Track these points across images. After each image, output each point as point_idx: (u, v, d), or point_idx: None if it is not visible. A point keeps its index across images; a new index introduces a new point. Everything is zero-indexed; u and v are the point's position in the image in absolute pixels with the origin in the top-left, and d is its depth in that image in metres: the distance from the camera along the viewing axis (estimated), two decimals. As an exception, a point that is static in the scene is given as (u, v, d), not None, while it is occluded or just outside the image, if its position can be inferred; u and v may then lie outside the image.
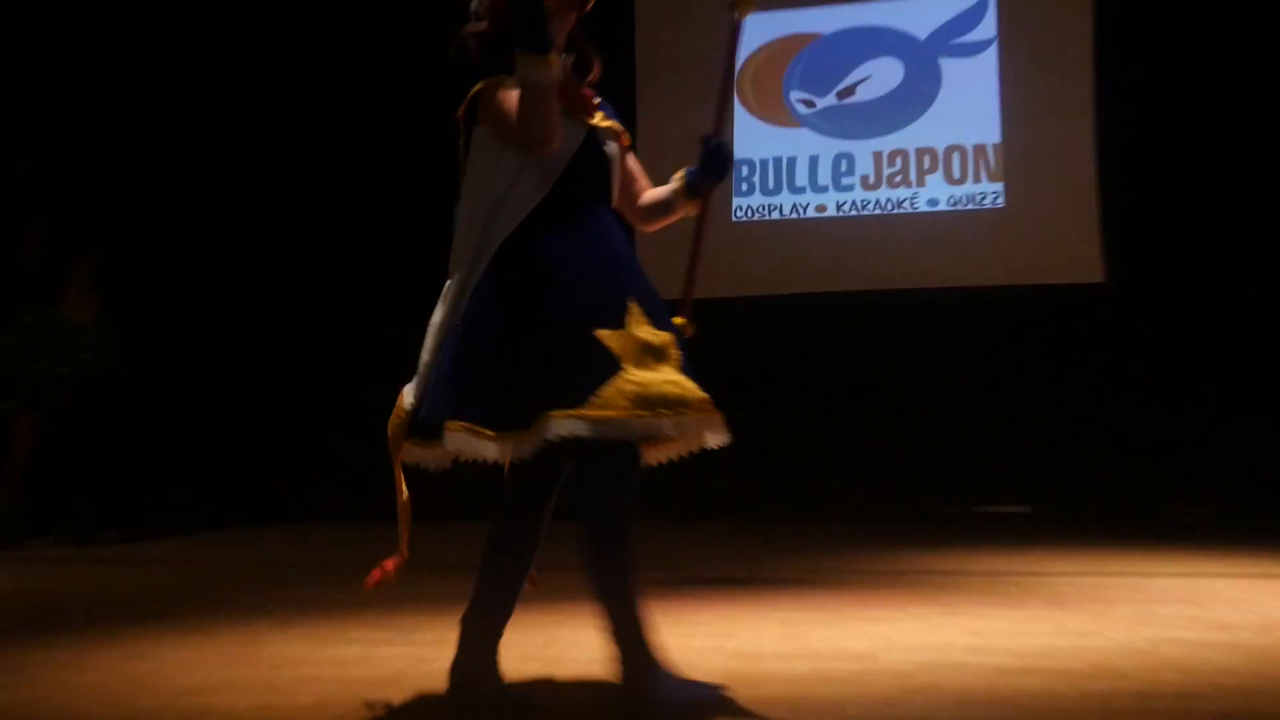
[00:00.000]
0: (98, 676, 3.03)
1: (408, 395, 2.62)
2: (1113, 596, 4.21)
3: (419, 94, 8.57)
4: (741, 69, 8.48)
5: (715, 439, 2.57)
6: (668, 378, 2.41)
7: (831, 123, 8.38)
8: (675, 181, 2.85)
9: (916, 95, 8.28)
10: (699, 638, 3.44)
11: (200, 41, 8.23)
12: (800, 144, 8.38)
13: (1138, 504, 7.34)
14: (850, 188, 8.27)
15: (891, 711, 2.53)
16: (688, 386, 2.43)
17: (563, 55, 2.60)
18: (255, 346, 8.52)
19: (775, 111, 8.45)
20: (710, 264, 8.49)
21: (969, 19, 8.27)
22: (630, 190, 2.86)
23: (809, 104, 8.42)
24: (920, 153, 8.19)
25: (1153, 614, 3.78)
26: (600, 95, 2.79)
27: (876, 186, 8.21)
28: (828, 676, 2.88)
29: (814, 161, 8.34)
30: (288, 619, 3.90)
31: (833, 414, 7.89)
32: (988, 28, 8.23)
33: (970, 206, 8.04)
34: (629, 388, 2.36)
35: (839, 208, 8.25)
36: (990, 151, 8.07)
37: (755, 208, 8.36)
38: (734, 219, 8.36)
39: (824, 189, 8.30)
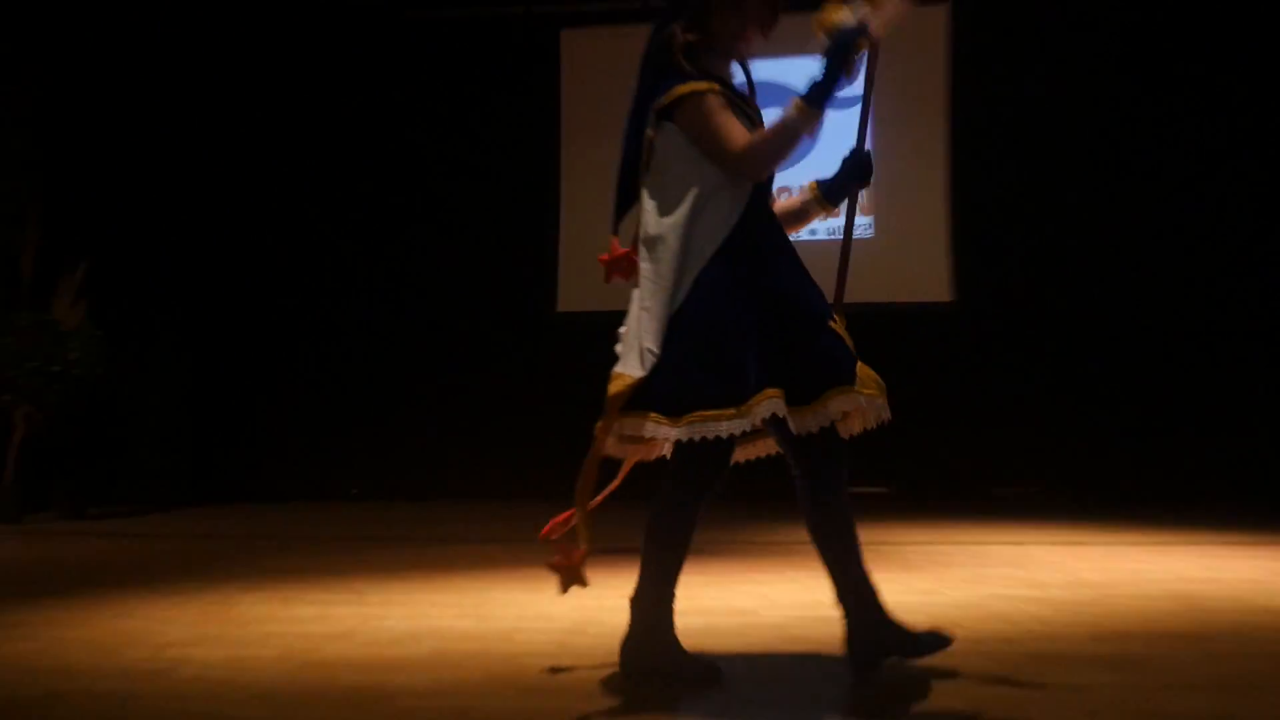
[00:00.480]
0: (89, 632, 3.01)
1: (630, 371, 2.43)
2: (951, 561, 4.35)
3: (369, 93, 8.58)
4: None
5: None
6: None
7: (730, 161, 8.47)
8: (808, 192, 2.71)
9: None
10: (610, 598, 3.48)
11: (157, 53, 8.01)
12: (702, 179, 8.46)
13: (975, 483, 7.53)
14: (744, 217, 8.36)
15: (769, 659, 2.61)
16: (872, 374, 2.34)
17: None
18: (226, 342, 8.39)
19: (680, 151, 8.51)
20: (605, 280, 8.59)
21: (844, 75, 8.41)
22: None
23: (710, 145, 8.50)
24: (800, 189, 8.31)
25: (984, 575, 3.92)
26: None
27: (765, 217, 8.32)
28: (716, 629, 2.96)
29: (712, 194, 8.42)
30: (256, 584, 3.88)
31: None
32: (858, 84, 8.37)
33: (839, 237, 8.17)
34: (869, 373, 2.31)
35: (732, 234, 8.35)
36: (860, 191, 8.23)
37: (662, 233, 8.42)
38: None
39: (721, 217, 8.38)
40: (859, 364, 2.33)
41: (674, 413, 2.27)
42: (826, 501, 2.42)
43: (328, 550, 4.99)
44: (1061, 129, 7.81)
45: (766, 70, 8.63)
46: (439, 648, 2.74)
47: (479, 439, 8.09)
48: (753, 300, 2.31)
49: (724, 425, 2.22)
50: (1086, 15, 7.73)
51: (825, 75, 2.32)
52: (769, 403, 2.22)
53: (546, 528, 2.56)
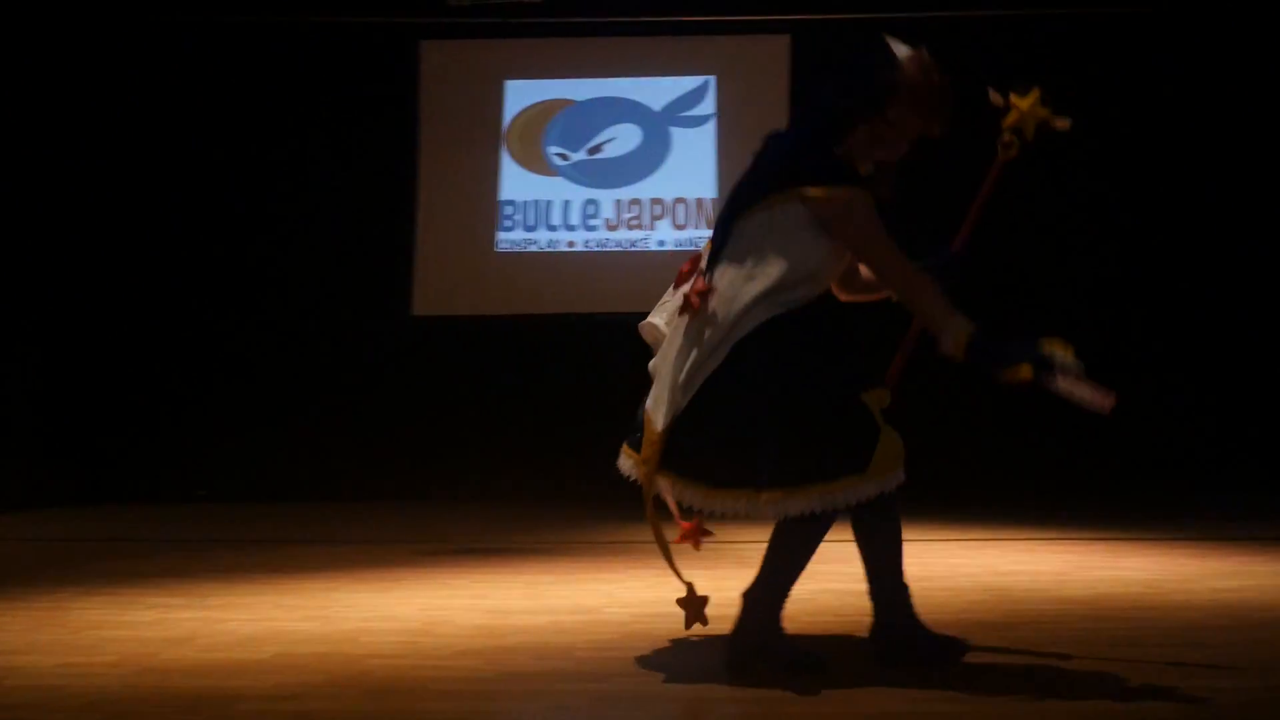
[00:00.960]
0: (-93, 642, 2.79)
1: (655, 420, 2.37)
2: (789, 559, 4.42)
3: (231, 97, 8.28)
4: (509, 126, 8.51)
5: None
6: (897, 436, 2.25)
7: (582, 173, 8.50)
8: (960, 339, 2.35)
9: (651, 155, 8.51)
10: (460, 598, 3.44)
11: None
12: (556, 190, 8.47)
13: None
14: (596, 228, 8.40)
15: (612, 653, 2.60)
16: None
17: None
18: (81, 341, 7.95)
19: (536, 162, 8.51)
20: (477, 286, 8.52)
21: (694, 97, 8.56)
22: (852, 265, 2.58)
23: (564, 157, 8.52)
24: (653, 202, 8.42)
25: (816, 571, 3.97)
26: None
27: (617, 228, 8.38)
28: (562, 627, 2.94)
29: (566, 205, 8.44)
30: (92, 588, 3.67)
31: (576, 412, 7.99)
32: (708, 105, 8.53)
33: (690, 248, 8.30)
34: (895, 446, 2.23)
35: (586, 244, 8.38)
36: (708, 204, 8.38)
37: (516, 241, 8.38)
38: (498, 249, 8.36)
39: (574, 228, 8.41)
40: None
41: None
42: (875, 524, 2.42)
43: (170, 553, 4.76)
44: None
45: (616, 88, 8.75)
46: (282, 651, 2.64)
47: (333, 440, 7.88)
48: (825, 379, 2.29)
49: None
50: (920, 41, 8.00)
51: (992, 358, 2.20)
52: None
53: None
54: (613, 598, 3.44)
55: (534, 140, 8.54)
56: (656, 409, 2.39)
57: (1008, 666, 2.42)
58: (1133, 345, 7.90)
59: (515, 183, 8.47)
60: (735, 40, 8.50)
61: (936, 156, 2.66)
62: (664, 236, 8.34)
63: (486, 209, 8.41)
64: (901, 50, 2.38)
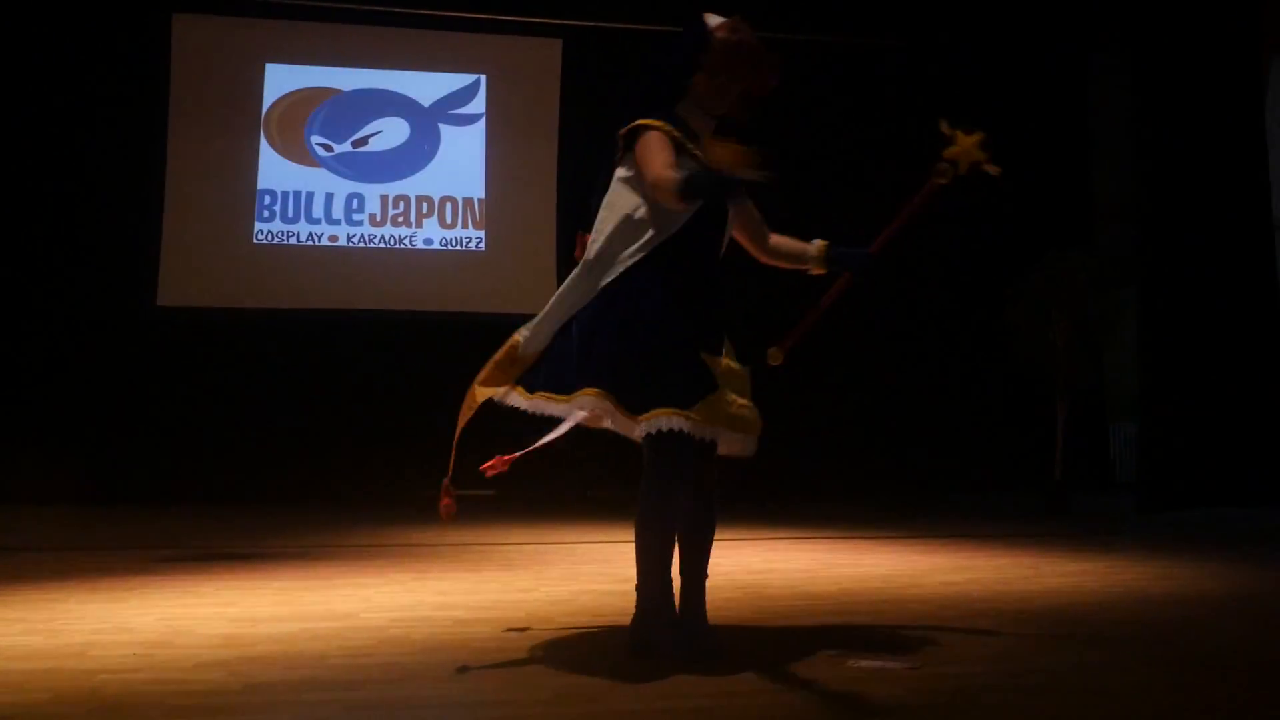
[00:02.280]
0: None
1: (524, 341, 2.62)
2: (550, 560, 4.46)
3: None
4: (268, 111, 8.15)
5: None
6: (746, 404, 2.50)
7: (347, 166, 8.25)
8: (816, 249, 2.72)
9: (419, 152, 8.36)
10: (203, 606, 3.25)
11: None
12: (318, 182, 8.17)
13: (570, 487, 7.75)
14: (360, 223, 8.17)
15: (367, 660, 2.53)
16: (755, 414, 2.51)
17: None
18: None
19: (297, 152, 8.19)
20: (232, 278, 8.11)
21: (464, 95, 8.47)
22: (758, 230, 2.78)
23: (328, 148, 8.23)
24: (420, 199, 8.27)
25: (577, 572, 4.05)
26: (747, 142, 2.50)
27: (382, 224, 8.18)
28: (315, 634, 2.84)
29: (329, 198, 8.16)
30: None
31: (335, 410, 7.75)
32: (479, 104, 8.47)
33: (458, 248, 8.22)
34: (724, 406, 2.42)
35: (349, 239, 8.13)
36: (476, 204, 8.31)
37: (275, 233, 8.03)
38: (255, 241, 7.98)
39: (337, 222, 8.14)
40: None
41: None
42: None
43: None
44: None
45: (384, 80, 8.55)
46: (0, 668, 2.41)
47: (62, 439, 7.29)
48: (658, 323, 2.47)
49: (619, 420, 2.44)
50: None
51: (703, 188, 2.37)
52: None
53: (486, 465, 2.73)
54: (369, 602, 3.34)
55: (296, 128, 8.21)
56: (530, 340, 2.63)
57: (757, 662, 2.52)
58: (878, 359, 8.44)
59: (274, 172, 8.11)
60: (507, 40, 8.48)
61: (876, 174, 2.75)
62: (431, 235, 8.22)
63: (242, 198, 8.02)
64: (714, 20, 2.65)
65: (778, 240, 2.79)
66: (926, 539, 5.27)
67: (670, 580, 2.52)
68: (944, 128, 2.84)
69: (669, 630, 2.50)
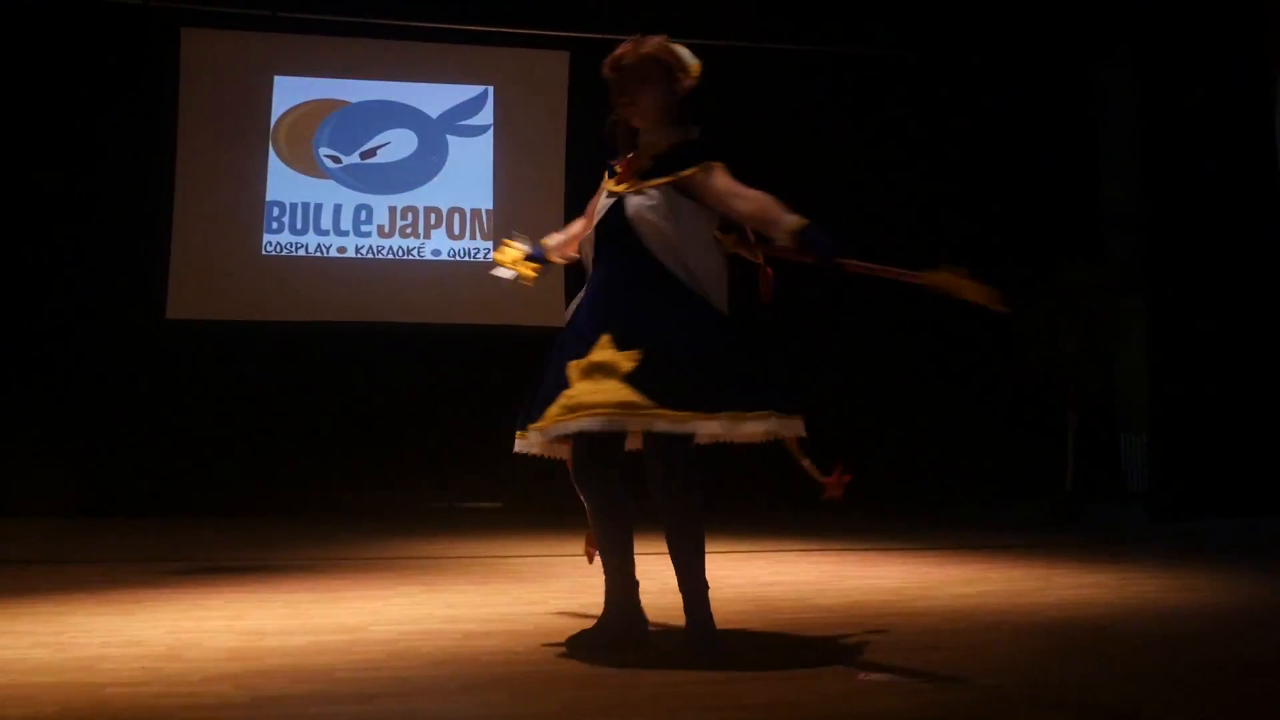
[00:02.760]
0: None
1: None
2: (558, 573, 4.45)
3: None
4: (277, 123, 8.19)
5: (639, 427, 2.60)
6: (597, 387, 2.53)
7: (355, 178, 8.27)
8: (792, 225, 2.61)
9: (427, 163, 8.38)
10: (212, 619, 3.25)
11: None
12: (326, 193, 8.20)
13: (576, 502, 7.72)
14: (368, 234, 8.19)
15: (375, 673, 2.53)
16: (607, 391, 2.51)
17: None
18: None
19: (305, 163, 8.21)
20: (240, 290, 8.13)
21: (472, 106, 8.49)
22: (728, 205, 2.70)
23: (336, 160, 8.26)
24: (428, 210, 8.29)
25: (585, 585, 4.04)
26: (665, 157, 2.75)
27: (390, 235, 8.20)
28: (323, 647, 2.83)
29: (338, 209, 8.19)
30: None
31: (344, 423, 7.76)
32: (487, 115, 8.49)
33: (466, 258, 8.23)
34: (561, 402, 2.58)
35: (357, 250, 8.15)
36: (484, 215, 8.33)
37: (284, 245, 8.06)
38: (264, 253, 8.01)
39: (345, 233, 8.16)
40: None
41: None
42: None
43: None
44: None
45: (392, 91, 8.57)
46: (6, 682, 2.41)
47: (71, 451, 7.30)
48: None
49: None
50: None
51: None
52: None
53: None
54: (378, 615, 3.34)
55: (304, 140, 8.24)
56: None
57: (767, 675, 2.51)
58: (884, 369, 8.43)
59: (283, 184, 8.14)
60: (515, 53, 8.50)
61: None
62: (439, 246, 8.23)
63: (251, 210, 8.04)
64: None
65: (759, 210, 2.69)
66: (937, 550, 5.25)
67: (624, 573, 2.79)
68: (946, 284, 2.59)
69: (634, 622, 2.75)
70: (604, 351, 2.57)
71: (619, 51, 2.82)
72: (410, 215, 8.24)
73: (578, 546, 5.49)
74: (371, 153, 8.33)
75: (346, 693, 2.34)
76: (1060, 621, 3.20)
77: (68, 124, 7.65)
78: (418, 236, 8.22)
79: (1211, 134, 6.94)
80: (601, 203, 2.78)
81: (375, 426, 7.75)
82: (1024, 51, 8.75)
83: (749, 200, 2.67)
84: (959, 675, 2.46)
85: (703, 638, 2.64)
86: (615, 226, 2.71)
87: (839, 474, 2.84)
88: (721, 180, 2.70)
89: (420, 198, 8.30)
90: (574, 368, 2.59)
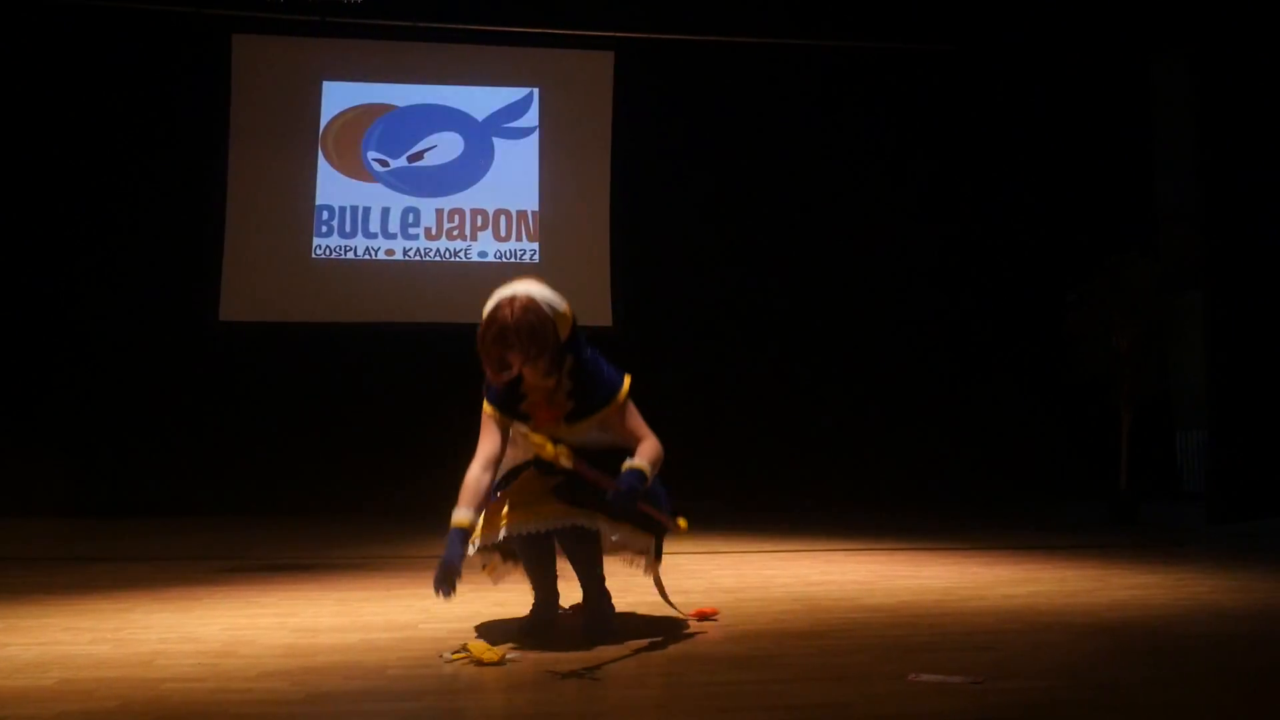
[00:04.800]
0: None
1: None
2: (606, 572, 4.44)
3: (28, 83, 7.72)
4: (325, 128, 8.29)
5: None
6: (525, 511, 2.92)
7: (402, 181, 8.35)
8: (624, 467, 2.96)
9: (474, 166, 8.44)
10: (265, 617, 3.31)
11: None
12: (374, 197, 8.28)
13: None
14: (416, 237, 8.27)
15: (425, 671, 2.55)
16: (532, 513, 2.91)
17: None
18: None
19: (354, 167, 8.31)
20: (291, 293, 8.24)
21: (518, 109, 8.54)
22: (628, 440, 3.06)
23: (384, 164, 8.35)
24: (475, 213, 8.34)
25: (632, 584, 4.02)
26: (581, 397, 3.04)
27: (437, 237, 8.27)
28: (375, 644, 2.87)
29: (386, 212, 8.27)
30: None
31: (394, 423, 7.83)
32: (532, 118, 8.53)
33: (512, 259, 8.28)
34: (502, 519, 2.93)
35: (405, 253, 8.23)
36: (530, 217, 8.37)
37: (333, 248, 8.15)
38: (314, 256, 8.11)
39: (393, 236, 8.24)
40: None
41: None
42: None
43: (-59, 574, 4.39)
44: (714, 166, 8.33)
45: (438, 95, 8.63)
46: (69, 677, 2.47)
47: (129, 451, 7.45)
48: None
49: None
50: (735, 63, 8.30)
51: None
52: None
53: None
54: (428, 613, 3.37)
55: (352, 145, 8.33)
56: None
57: (812, 674, 2.50)
58: (934, 369, 8.35)
59: (332, 187, 8.24)
60: (560, 54, 8.54)
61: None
62: (485, 248, 8.28)
63: (301, 213, 8.15)
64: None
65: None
66: (988, 551, 5.19)
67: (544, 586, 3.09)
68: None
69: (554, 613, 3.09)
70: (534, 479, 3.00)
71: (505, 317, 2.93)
72: (457, 217, 8.30)
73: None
74: (419, 156, 8.40)
75: (399, 689, 2.37)
76: (1116, 623, 3.15)
77: (122, 130, 7.80)
78: (465, 238, 8.28)
79: (1269, 127, 6.80)
80: (524, 434, 3.03)
81: (424, 426, 7.81)
82: (1081, 46, 8.62)
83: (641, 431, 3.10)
84: (1012, 676, 2.43)
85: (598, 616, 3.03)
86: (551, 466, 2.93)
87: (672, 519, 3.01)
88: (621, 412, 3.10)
89: (467, 200, 8.36)
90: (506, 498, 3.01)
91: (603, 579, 3.08)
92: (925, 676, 2.41)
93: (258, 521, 6.83)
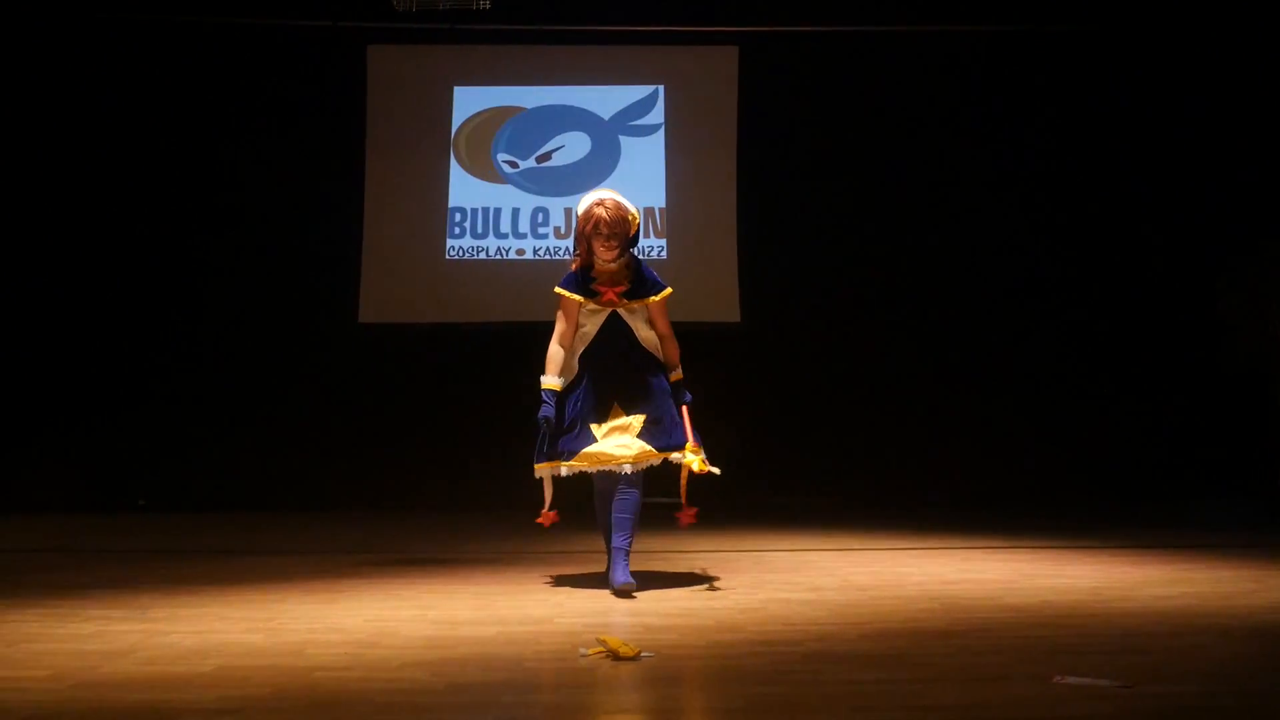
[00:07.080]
0: None
1: None
2: (736, 567, 4.45)
3: (174, 100, 8.15)
4: (457, 132, 8.48)
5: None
6: (619, 444, 3.80)
7: (531, 181, 8.48)
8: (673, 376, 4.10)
9: (601, 164, 8.51)
10: (406, 609, 3.41)
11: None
12: (505, 198, 8.44)
13: (754, 496, 7.69)
14: (545, 236, 8.39)
15: (562, 664, 2.60)
16: (628, 448, 3.79)
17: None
18: (12, 349, 7.78)
19: (484, 169, 8.48)
20: (426, 294, 8.45)
21: (643, 106, 8.58)
22: (662, 333, 4.06)
23: (513, 165, 8.49)
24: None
25: (765, 580, 4.04)
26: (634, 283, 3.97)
27: (567, 236, 8.37)
28: (512, 637, 2.93)
29: (516, 213, 8.41)
30: (30, 599, 3.58)
31: (527, 422, 7.95)
32: (658, 115, 8.56)
33: (641, 256, 8.30)
34: (589, 453, 3.85)
35: (535, 252, 8.36)
36: (657, 213, 8.40)
37: (465, 248, 8.34)
38: (447, 257, 8.31)
39: (523, 236, 8.38)
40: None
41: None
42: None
43: (110, 563, 4.67)
44: (843, 160, 8.21)
45: (565, 96, 8.73)
46: (225, 664, 2.60)
47: (278, 449, 7.77)
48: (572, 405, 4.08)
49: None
50: (862, 54, 8.16)
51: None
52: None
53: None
54: (562, 608, 3.43)
55: (482, 147, 8.50)
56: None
57: (950, 674, 2.45)
58: (1074, 360, 8.06)
59: (463, 190, 8.43)
60: (684, 50, 8.53)
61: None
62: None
63: (435, 216, 8.36)
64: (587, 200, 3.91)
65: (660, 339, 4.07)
66: (1134, 549, 4.99)
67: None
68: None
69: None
70: (618, 417, 3.84)
71: (600, 213, 3.85)
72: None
73: (762, 541, 5.51)
74: (547, 156, 8.52)
75: (535, 682, 2.41)
76: (1273, 625, 2.99)
77: (265, 141, 8.13)
78: (593, 236, 8.36)
79: None
80: (591, 311, 3.99)
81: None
82: (1225, 24, 8.18)
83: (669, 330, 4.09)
84: (1163, 681, 2.33)
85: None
86: (615, 332, 3.93)
87: (690, 509, 3.99)
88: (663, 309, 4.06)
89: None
90: (597, 429, 3.84)
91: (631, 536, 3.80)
92: (1070, 679, 2.33)
93: (396, 517, 7.04)
